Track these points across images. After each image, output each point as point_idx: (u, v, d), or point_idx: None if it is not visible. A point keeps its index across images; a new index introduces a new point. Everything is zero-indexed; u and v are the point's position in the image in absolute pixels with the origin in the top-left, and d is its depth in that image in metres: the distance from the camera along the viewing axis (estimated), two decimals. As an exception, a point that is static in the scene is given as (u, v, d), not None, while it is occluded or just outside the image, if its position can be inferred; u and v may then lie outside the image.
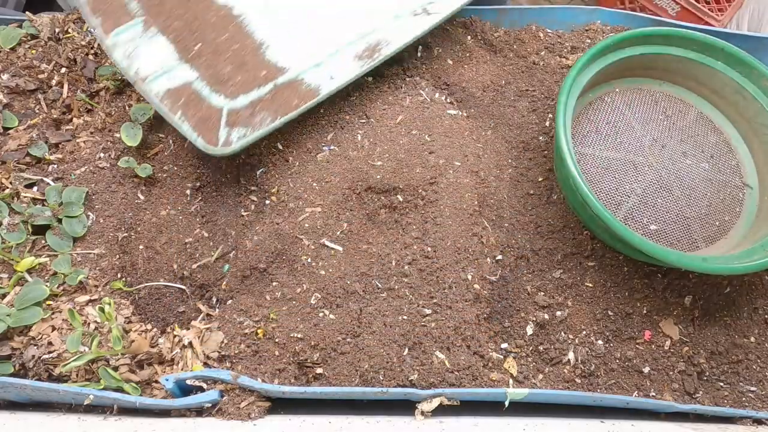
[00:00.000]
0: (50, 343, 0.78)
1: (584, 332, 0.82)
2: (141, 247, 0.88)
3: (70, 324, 0.77)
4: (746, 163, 0.93)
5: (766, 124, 0.90)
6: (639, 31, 0.92)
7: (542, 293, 0.84)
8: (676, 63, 0.95)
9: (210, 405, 0.72)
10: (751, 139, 0.93)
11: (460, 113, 0.98)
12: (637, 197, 0.88)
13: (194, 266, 0.86)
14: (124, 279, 0.87)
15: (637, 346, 0.81)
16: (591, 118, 0.95)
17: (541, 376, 0.79)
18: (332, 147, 0.91)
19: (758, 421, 0.77)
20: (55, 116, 0.97)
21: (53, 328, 0.79)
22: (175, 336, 0.79)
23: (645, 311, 0.83)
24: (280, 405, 0.76)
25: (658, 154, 0.91)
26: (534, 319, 0.82)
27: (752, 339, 0.82)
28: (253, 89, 0.83)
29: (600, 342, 0.82)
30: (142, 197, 0.92)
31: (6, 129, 0.95)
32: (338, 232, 0.85)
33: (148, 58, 0.83)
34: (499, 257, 0.86)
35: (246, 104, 0.82)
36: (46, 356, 0.77)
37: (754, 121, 0.92)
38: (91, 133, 0.97)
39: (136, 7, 0.84)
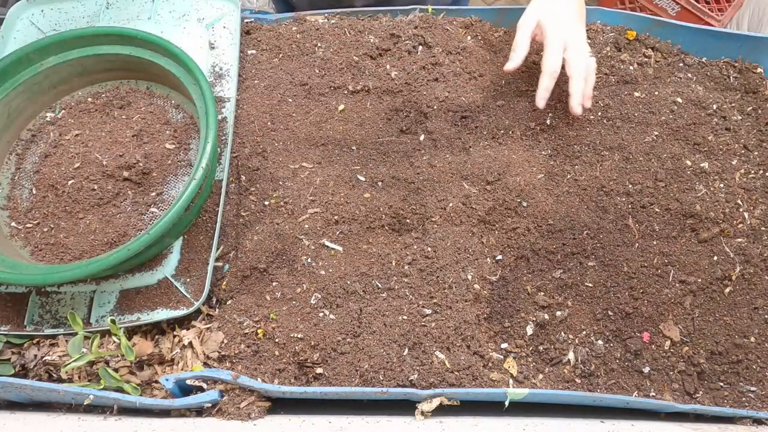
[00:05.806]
0: (52, 345, 0.78)
1: (584, 332, 0.82)
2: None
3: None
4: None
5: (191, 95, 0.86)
6: (58, 36, 0.86)
7: (542, 293, 0.84)
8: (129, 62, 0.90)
9: (210, 405, 0.72)
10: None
11: (460, 113, 0.98)
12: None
13: (194, 266, 0.86)
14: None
15: (637, 346, 0.81)
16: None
17: (541, 376, 0.79)
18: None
19: (758, 421, 0.77)
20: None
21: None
22: (175, 336, 0.79)
23: (645, 311, 0.83)
24: (280, 405, 0.76)
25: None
26: (534, 319, 0.82)
27: (752, 339, 0.82)
28: None
29: (600, 342, 0.82)
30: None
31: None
32: (338, 232, 0.86)
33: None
34: (499, 257, 0.86)
35: None
36: (47, 357, 0.77)
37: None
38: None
39: None
